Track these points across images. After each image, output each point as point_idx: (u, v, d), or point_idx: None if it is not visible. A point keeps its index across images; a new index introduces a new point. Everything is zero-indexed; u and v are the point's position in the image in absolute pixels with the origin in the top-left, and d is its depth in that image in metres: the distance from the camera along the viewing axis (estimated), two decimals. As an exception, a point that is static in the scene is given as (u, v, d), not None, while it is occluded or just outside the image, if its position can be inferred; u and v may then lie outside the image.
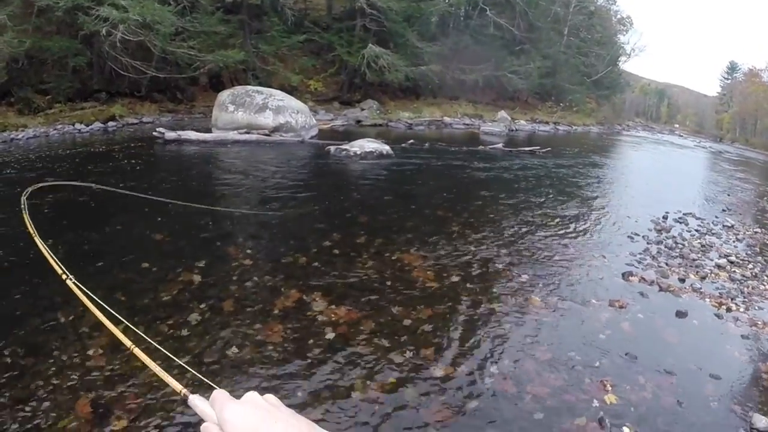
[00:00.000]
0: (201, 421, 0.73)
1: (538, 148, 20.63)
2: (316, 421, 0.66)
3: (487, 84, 34.03)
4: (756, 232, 11.31)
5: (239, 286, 5.86)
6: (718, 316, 6.41)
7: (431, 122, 28.59)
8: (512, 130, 29.76)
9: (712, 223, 11.56)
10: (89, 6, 16.12)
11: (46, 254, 1.96)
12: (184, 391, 0.87)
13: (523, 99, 40.22)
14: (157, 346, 1.34)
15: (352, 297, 5.77)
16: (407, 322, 5.32)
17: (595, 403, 4.22)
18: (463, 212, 9.92)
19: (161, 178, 10.93)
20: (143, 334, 1.38)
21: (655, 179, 19.09)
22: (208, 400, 0.75)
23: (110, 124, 17.83)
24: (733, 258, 8.83)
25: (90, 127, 16.99)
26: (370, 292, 5.96)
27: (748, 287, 7.55)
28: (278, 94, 18.37)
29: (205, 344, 4.59)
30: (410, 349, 4.77)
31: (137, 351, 1.15)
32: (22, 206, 3.32)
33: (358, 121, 24.95)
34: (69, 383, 3.94)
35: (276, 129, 17.16)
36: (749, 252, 9.59)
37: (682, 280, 7.45)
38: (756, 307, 6.83)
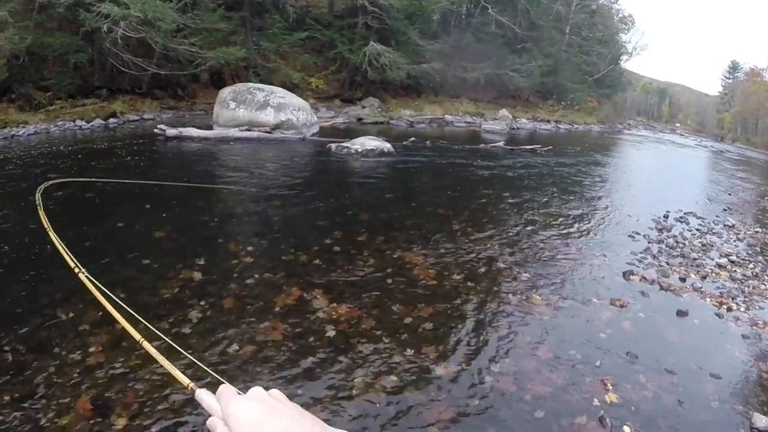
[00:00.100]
0: (201, 416, 0.73)
1: (540, 146, 20.61)
2: None
3: (489, 82, 34.02)
4: (757, 232, 11.30)
5: (240, 283, 5.86)
6: (719, 315, 6.41)
7: (432, 120, 28.56)
8: (513, 129, 29.75)
9: (713, 222, 11.56)
10: (90, 2, 16.08)
11: (59, 248, 1.97)
12: (192, 385, 0.88)
13: (525, 97, 40.19)
14: (168, 341, 1.33)
15: (353, 295, 5.77)
16: (408, 320, 5.32)
17: (596, 402, 4.22)
18: (465, 210, 9.92)
19: (163, 174, 10.92)
20: (154, 329, 1.37)
21: (656, 178, 19.09)
22: (214, 394, 0.76)
23: (111, 120, 17.80)
24: (734, 257, 8.82)
25: (91, 123, 16.97)
26: (371, 290, 5.95)
27: (748, 287, 7.55)
28: (279, 91, 18.35)
29: (206, 342, 4.59)
30: (411, 348, 4.77)
31: (146, 344, 1.16)
32: (37, 202, 3.33)
33: (360, 119, 24.92)
34: (69, 380, 3.94)
35: (277, 126, 17.16)
36: (750, 251, 9.59)
37: (683, 280, 7.45)
38: (757, 307, 6.84)
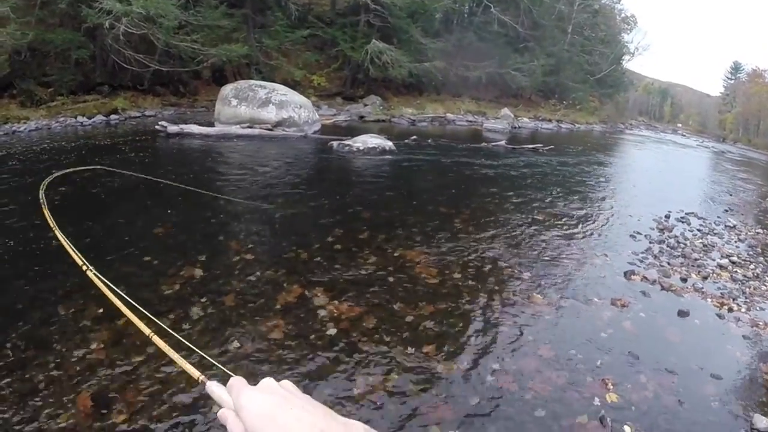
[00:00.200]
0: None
1: (541, 145, 20.61)
2: None
3: (491, 81, 34.04)
4: (758, 233, 11.29)
5: (241, 280, 5.86)
6: (720, 316, 6.40)
7: (434, 119, 28.56)
8: (515, 128, 29.76)
9: (714, 223, 11.55)
10: (92, -2, 16.12)
11: (66, 246, 1.97)
12: (202, 377, 0.89)
13: (527, 96, 40.19)
14: (178, 336, 1.33)
15: (354, 293, 5.76)
16: (409, 318, 5.32)
17: (597, 402, 4.22)
18: (466, 209, 9.90)
19: (165, 171, 10.92)
20: (163, 324, 1.37)
21: (657, 178, 19.07)
22: (224, 386, 0.76)
23: (113, 117, 17.83)
24: (735, 258, 8.81)
25: (92, 120, 16.99)
26: (372, 288, 5.95)
27: (749, 288, 7.54)
28: (281, 88, 18.34)
29: (207, 339, 4.59)
30: (412, 346, 4.77)
31: (156, 339, 1.16)
32: (41, 201, 3.33)
33: (361, 117, 24.92)
34: (70, 377, 3.94)
35: (279, 124, 17.16)
36: (751, 252, 9.58)
37: (684, 280, 7.44)
38: (757, 308, 6.83)
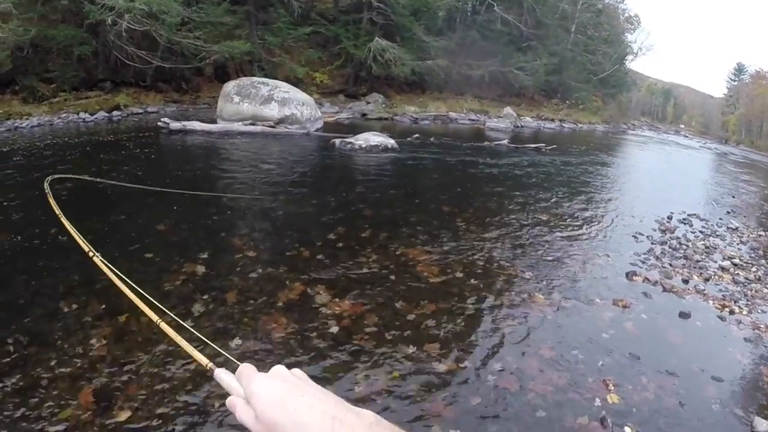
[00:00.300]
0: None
1: (544, 145, 20.59)
2: None
3: (494, 80, 34.03)
4: (760, 235, 11.27)
5: (243, 277, 5.86)
6: (721, 318, 6.39)
7: (436, 117, 28.54)
8: (518, 127, 29.75)
9: (717, 224, 11.53)
10: (95, -6, 16.13)
11: (72, 232, 1.97)
12: (210, 365, 0.88)
13: (529, 96, 40.15)
14: (184, 323, 1.33)
15: (356, 291, 5.76)
16: (411, 316, 5.32)
17: (598, 403, 4.21)
18: (468, 208, 9.90)
19: (167, 168, 10.95)
20: (168, 311, 1.37)
21: (660, 179, 19.05)
22: (233, 374, 0.76)
23: (115, 113, 17.86)
24: (737, 260, 8.80)
25: (94, 116, 17.01)
26: (374, 286, 5.95)
27: (751, 290, 7.53)
28: (284, 86, 18.35)
29: (208, 335, 4.59)
30: (414, 344, 4.77)
31: (164, 326, 1.16)
32: (47, 191, 3.35)
33: (364, 115, 24.91)
34: (72, 372, 3.94)
35: (281, 121, 17.16)
36: (753, 255, 9.56)
37: (686, 281, 7.43)
38: (759, 311, 6.81)
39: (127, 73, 19.53)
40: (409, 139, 18.22)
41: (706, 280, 7.65)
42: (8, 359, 4.04)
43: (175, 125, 15.26)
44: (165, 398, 3.75)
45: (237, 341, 4.52)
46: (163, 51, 19.25)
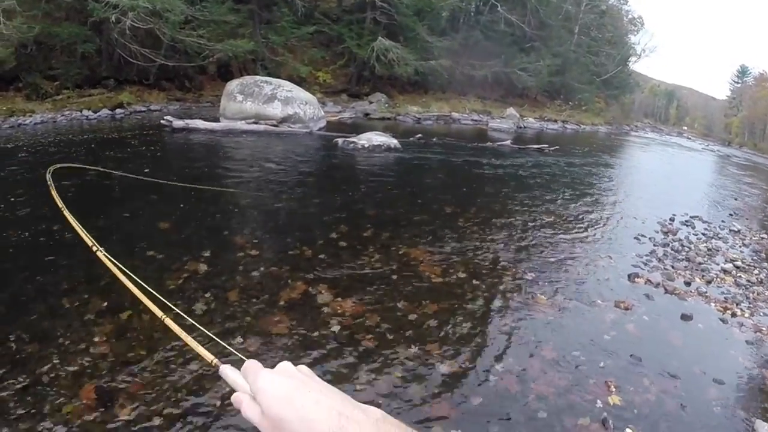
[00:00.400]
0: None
1: (547, 146, 20.57)
2: None
3: (496, 80, 34.00)
4: (762, 238, 11.26)
5: (245, 276, 5.87)
6: (723, 320, 6.39)
7: (439, 117, 28.52)
8: (520, 128, 29.73)
9: (719, 227, 11.52)
10: (99, -8, 16.14)
11: (75, 226, 1.97)
12: (215, 360, 0.87)
13: (532, 96, 40.09)
14: (189, 318, 1.33)
15: (358, 290, 5.77)
16: (413, 316, 5.32)
17: (599, 404, 4.21)
18: (471, 208, 9.89)
19: (170, 165, 10.96)
20: (174, 306, 1.37)
21: (662, 181, 19.02)
22: (239, 370, 0.75)
23: (118, 111, 17.86)
24: (739, 263, 8.80)
25: (98, 113, 17.02)
26: (376, 285, 5.95)
27: (753, 293, 7.53)
28: (287, 84, 18.34)
29: (210, 334, 4.59)
30: (415, 344, 4.77)
31: (169, 321, 1.15)
32: (49, 182, 3.34)
33: (366, 114, 24.91)
34: (74, 370, 3.95)
35: (284, 120, 17.15)
36: (755, 257, 9.56)
37: (688, 284, 7.43)
38: (761, 313, 6.81)
39: (130, 71, 19.54)
40: (411, 139, 18.22)
41: (708, 282, 7.65)
42: (10, 356, 4.05)
43: (178, 123, 15.27)
44: (167, 396, 3.75)
45: (239, 340, 4.52)
46: (167, 49, 19.27)
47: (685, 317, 6.23)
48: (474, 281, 6.44)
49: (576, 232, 9.29)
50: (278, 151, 14.24)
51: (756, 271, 8.57)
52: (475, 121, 30.06)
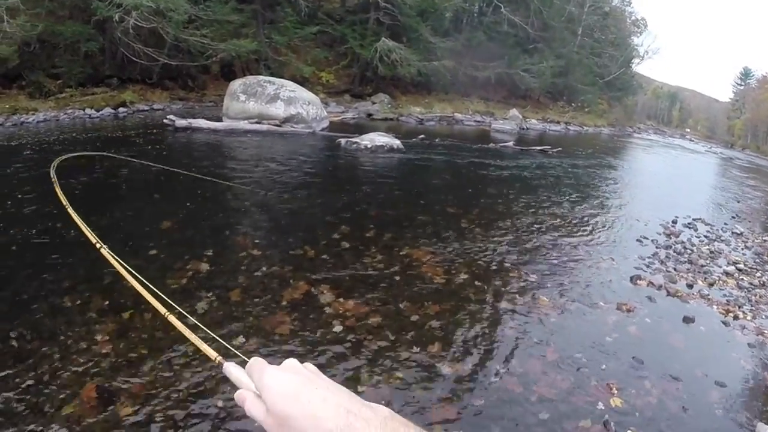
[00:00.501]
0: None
1: (549, 147, 20.57)
2: None
3: (499, 81, 33.98)
4: (765, 240, 11.23)
5: (247, 276, 5.87)
6: (725, 323, 6.38)
7: (442, 118, 28.53)
8: (523, 129, 29.72)
9: (721, 229, 11.49)
10: (103, -9, 16.17)
11: (79, 224, 1.97)
12: (219, 358, 0.87)
13: (535, 98, 40.10)
14: (191, 317, 1.32)
15: (361, 291, 5.77)
16: (415, 317, 5.32)
17: (601, 406, 4.21)
18: (474, 209, 9.89)
19: (172, 165, 10.94)
20: (177, 304, 1.37)
21: (665, 183, 19.01)
22: (242, 368, 0.75)
23: (121, 110, 17.89)
24: (741, 265, 8.78)
25: (100, 112, 17.05)
26: (378, 286, 5.95)
27: (755, 295, 7.51)
28: (290, 85, 18.37)
29: (212, 333, 4.59)
30: (417, 345, 4.77)
31: (172, 318, 1.15)
32: (53, 178, 3.34)
33: (369, 115, 24.91)
34: (75, 368, 3.95)
35: (287, 120, 17.17)
36: (758, 260, 9.53)
37: (690, 286, 7.42)
38: (763, 316, 6.80)
39: (133, 69, 19.57)
40: (414, 139, 18.23)
41: (711, 284, 7.64)
42: (12, 354, 4.06)
43: (180, 123, 15.29)
44: (168, 395, 3.75)
45: (241, 339, 4.52)
46: (170, 48, 19.30)
47: (687, 320, 6.22)
48: (476, 282, 6.43)
49: (578, 234, 9.28)
50: (281, 151, 14.24)
51: (758, 274, 8.56)
52: (478, 122, 30.05)
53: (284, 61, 24.73)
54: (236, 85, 17.50)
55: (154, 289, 1.34)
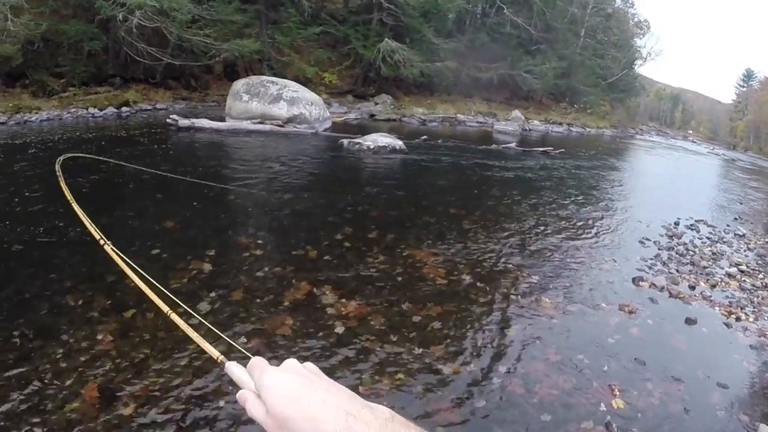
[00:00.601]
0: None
1: (552, 149, 20.56)
2: None
3: (502, 83, 33.99)
4: (767, 242, 11.22)
5: (250, 276, 5.87)
6: (727, 324, 6.37)
7: (444, 119, 28.53)
8: (526, 130, 29.67)
9: (724, 231, 11.48)
10: (107, -9, 16.21)
11: (84, 220, 1.98)
12: (221, 357, 0.87)
13: (538, 99, 40.08)
14: (194, 314, 1.33)
15: (363, 291, 5.77)
16: (417, 318, 5.32)
17: (603, 407, 4.21)
18: (476, 210, 9.88)
19: (175, 165, 10.96)
20: (180, 302, 1.37)
21: (667, 184, 18.97)
22: (244, 367, 0.74)
23: (124, 109, 17.93)
24: (743, 267, 8.76)
25: (103, 111, 17.09)
26: (380, 287, 5.96)
27: (758, 297, 7.50)
28: (293, 85, 18.39)
29: (214, 333, 4.59)
30: (419, 346, 4.77)
31: (174, 317, 1.15)
32: (58, 173, 3.34)
33: (372, 115, 24.93)
34: (77, 367, 3.95)
35: (290, 120, 17.19)
36: (760, 262, 9.51)
37: (692, 288, 7.41)
38: (765, 318, 6.79)
39: (136, 69, 19.61)
40: (417, 140, 18.23)
41: (713, 286, 7.63)
42: (14, 352, 4.06)
43: (183, 122, 15.32)
44: (170, 395, 3.76)
45: (242, 340, 4.53)
46: (173, 48, 19.33)
47: (690, 321, 6.21)
48: (478, 283, 6.43)
49: (581, 236, 9.27)
50: (283, 151, 14.26)
51: (761, 276, 8.54)
52: (481, 123, 30.04)
53: (287, 62, 24.76)
54: (239, 85, 17.52)
55: (158, 285, 1.34)
